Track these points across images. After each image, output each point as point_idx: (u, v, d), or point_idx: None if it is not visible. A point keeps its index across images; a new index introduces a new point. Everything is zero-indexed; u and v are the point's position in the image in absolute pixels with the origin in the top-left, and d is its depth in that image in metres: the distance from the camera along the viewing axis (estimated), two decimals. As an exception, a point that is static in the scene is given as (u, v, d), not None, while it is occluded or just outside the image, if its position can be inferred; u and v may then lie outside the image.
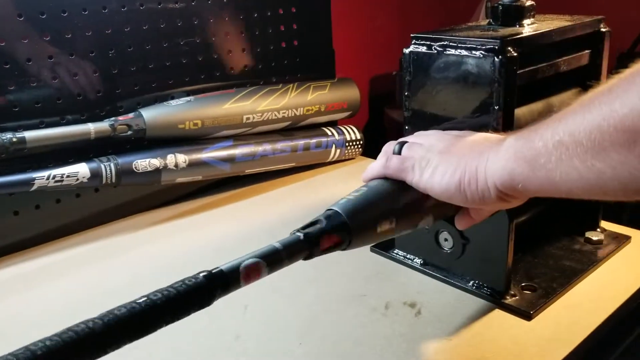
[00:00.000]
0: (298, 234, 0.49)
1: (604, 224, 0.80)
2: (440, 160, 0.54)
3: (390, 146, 0.60)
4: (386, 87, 1.51)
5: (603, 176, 0.39)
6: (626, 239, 0.78)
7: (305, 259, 0.49)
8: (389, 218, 0.53)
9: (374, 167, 0.57)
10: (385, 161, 0.56)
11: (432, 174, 0.53)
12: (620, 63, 1.37)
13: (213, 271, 0.44)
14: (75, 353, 0.37)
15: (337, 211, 0.51)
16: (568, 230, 0.79)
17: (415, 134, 0.63)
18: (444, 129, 0.62)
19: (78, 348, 0.37)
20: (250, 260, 0.45)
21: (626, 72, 0.39)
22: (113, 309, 0.40)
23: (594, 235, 0.77)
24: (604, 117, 0.38)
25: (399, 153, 0.58)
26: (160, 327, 0.41)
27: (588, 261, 0.73)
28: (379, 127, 1.50)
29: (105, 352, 0.38)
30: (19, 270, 0.82)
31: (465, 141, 0.55)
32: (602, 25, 0.72)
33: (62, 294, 0.75)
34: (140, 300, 0.40)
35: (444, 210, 0.57)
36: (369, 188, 0.55)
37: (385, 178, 0.56)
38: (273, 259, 0.46)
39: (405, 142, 0.59)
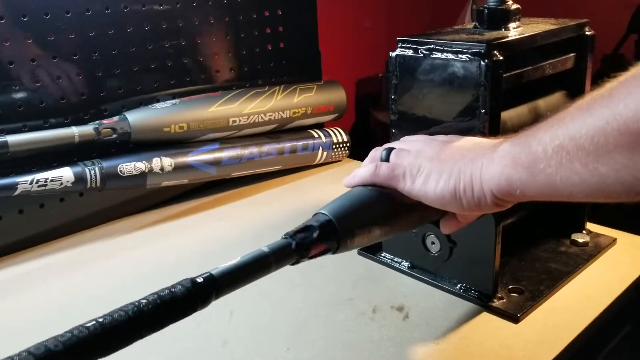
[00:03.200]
0: (286, 238, 0.49)
1: (589, 225, 0.81)
2: (431, 167, 0.53)
3: (376, 152, 0.60)
4: (372, 89, 1.51)
5: (606, 179, 0.39)
6: (612, 240, 0.78)
7: (294, 263, 0.49)
8: (377, 223, 0.53)
9: (362, 173, 0.57)
10: (375, 168, 0.56)
11: (424, 181, 0.53)
12: (604, 65, 1.38)
13: (201, 276, 0.43)
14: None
15: (326, 215, 0.51)
16: (554, 233, 0.80)
17: (401, 139, 0.63)
18: (430, 134, 0.62)
19: (66, 355, 0.37)
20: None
21: (626, 75, 0.38)
22: (103, 314, 0.39)
23: (580, 237, 0.77)
24: (607, 120, 0.38)
25: (387, 160, 0.57)
26: (152, 332, 0.41)
27: (574, 263, 0.73)
28: (365, 128, 1.50)
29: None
30: (2, 276, 0.80)
31: (454, 147, 0.55)
32: (586, 29, 0.73)
33: (47, 300, 0.74)
34: (131, 306, 0.40)
35: (432, 215, 0.57)
36: (357, 193, 0.55)
37: (372, 184, 0.56)
38: (261, 264, 0.46)
39: (392, 148, 0.58)
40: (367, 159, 0.61)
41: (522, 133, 0.47)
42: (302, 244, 0.49)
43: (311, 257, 0.50)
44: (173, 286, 0.42)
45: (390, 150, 0.58)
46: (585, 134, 0.39)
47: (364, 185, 0.56)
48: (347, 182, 0.58)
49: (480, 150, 0.52)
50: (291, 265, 0.49)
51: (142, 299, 0.41)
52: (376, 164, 0.56)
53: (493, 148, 0.50)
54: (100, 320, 0.39)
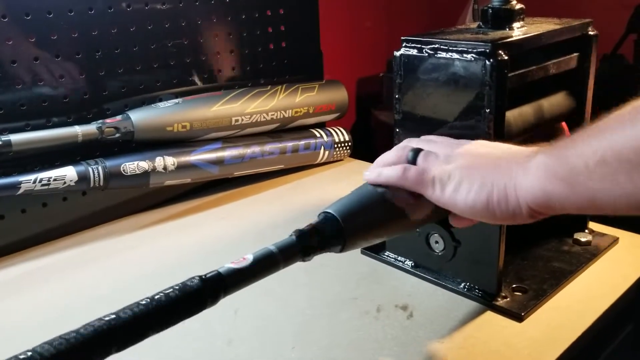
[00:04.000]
0: (293, 237, 0.49)
1: (592, 225, 0.81)
2: (462, 176, 0.52)
3: (404, 151, 0.58)
4: (373, 88, 1.51)
5: None
6: (614, 239, 0.78)
7: (302, 260, 0.49)
8: (382, 224, 0.53)
9: (388, 174, 0.55)
10: (403, 171, 0.54)
11: (454, 190, 0.52)
12: (603, 65, 1.38)
13: (209, 274, 0.44)
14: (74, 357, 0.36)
15: (332, 214, 0.51)
16: (557, 232, 0.80)
17: (424, 138, 0.61)
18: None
19: (76, 352, 0.37)
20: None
21: None
22: (117, 310, 0.39)
23: (583, 237, 0.78)
24: None
25: (414, 162, 0.56)
26: (160, 330, 0.41)
27: (577, 262, 0.74)
28: (367, 128, 1.50)
29: (103, 358, 0.38)
30: (4, 275, 0.80)
31: (485, 154, 0.53)
32: (590, 29, 0.73)
33: (49, 300, 0.74)
34: (142, 303, 0.40)
35: (438, 215, 0.57)
36: (364, 192, 0.55)
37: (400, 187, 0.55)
38: (269, 262, 0.46)
39: (420, 149, 0.57)
40: (391, 155, 0.59)
41: (555, 144, 0.46)
42: (308, 242, 0.49)
43: (317, 253, 0.50)
44: (181, 284, 0.42)
45: (417, 151, 0.57)
46: (630, 146, 0.38)
47: (373, 185, 0.56)
48: (371, 179, 0.56)
49: (512, 159, 0.50)
50: (301, 261, 0.49)
51: (149, 297, 0.41)
52: (404, 166, 0.55)
53: (527, 158, 0.49)
54: (107, 318, 0.39)
